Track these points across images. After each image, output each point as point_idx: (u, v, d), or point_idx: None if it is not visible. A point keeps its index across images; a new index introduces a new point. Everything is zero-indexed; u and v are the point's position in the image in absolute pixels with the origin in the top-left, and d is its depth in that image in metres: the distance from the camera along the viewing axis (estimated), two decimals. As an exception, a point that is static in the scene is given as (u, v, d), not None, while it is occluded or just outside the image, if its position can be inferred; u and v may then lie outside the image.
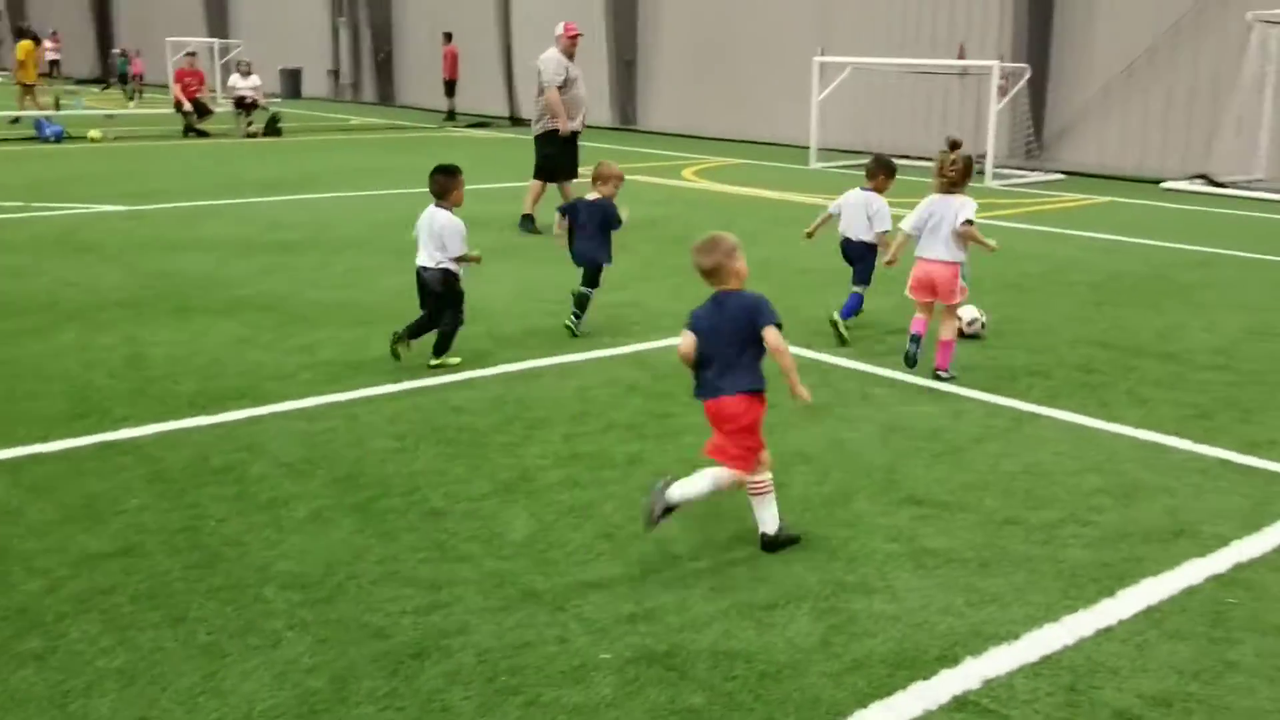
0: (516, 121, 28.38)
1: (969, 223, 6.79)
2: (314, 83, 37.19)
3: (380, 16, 35.11)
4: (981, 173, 17.82)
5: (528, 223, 12.52)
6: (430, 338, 6.98)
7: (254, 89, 24.30)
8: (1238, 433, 5.93)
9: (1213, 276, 10.21)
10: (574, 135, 12.58)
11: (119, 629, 3.79)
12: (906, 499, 5.01)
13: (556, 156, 12.52)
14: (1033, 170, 18.80)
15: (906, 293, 7.04)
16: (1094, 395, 6.55)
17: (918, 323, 6.95)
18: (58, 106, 26.75)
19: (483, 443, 5.66)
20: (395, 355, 7.00)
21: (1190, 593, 4.16)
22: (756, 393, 4.43)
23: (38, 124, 21.87)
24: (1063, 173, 18.72)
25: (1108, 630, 3.87)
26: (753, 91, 25.04)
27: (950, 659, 3.68)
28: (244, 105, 24.01)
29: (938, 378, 6.82)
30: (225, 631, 3.79)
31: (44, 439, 5.57)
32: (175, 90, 23.91)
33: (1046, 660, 3.68)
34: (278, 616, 3.90)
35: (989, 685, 3.53)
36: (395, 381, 6.63)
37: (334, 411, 6.11)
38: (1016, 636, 3.82)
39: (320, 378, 6.71)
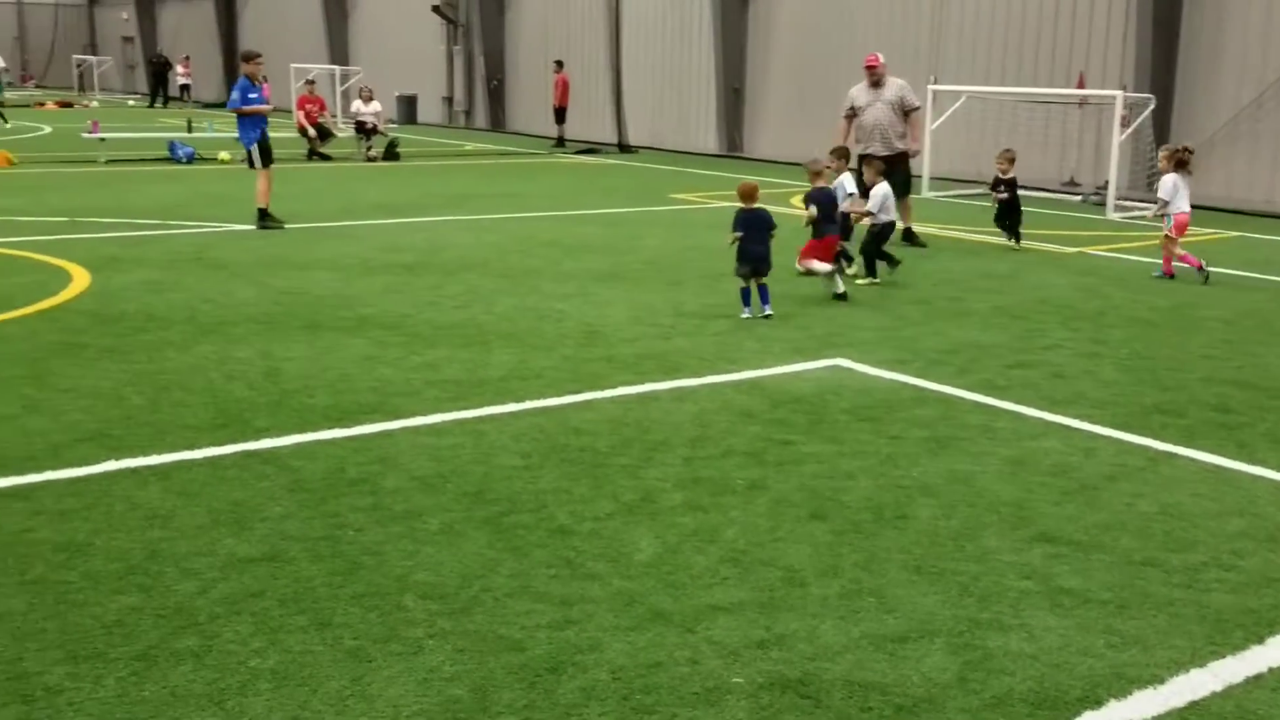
0: (625, 148, 28.60)
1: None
2: (429, 109, 37.98)
3: (493, 44, 35.74)
4: (1102, 204, 17.51)
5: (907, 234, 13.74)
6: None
7: (374, 114, 24.90)
8: (1385, 479, 5.72)
9: (1349, 317, 9.88)
10: (867, 157, 13.50)
11: (269, 631, 3.92)
12: (1038, 536, 4.93)
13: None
14: (1156, 203, 18.33)
15: None
16: (1231, 436, 6.37)
17: None
18: (190, 129, 27.69)
19: (604, 464, 5.73)
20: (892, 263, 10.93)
21: (1344, 643, 4.02)
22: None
23: (170, 145, 22.68)
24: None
25: (1257, 678, 3.76)
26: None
27: (1093, 700, 3.61)
28: (364, 130, 24.61)
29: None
30: (369, 637, 3.90)
31: (191, 446, 5.79)
32: (298, 116, 24.63)
33: (1194, 706, 3.59)
34: (418, 625, 3.99)
35: (1133, 728, 3.46)
36: (517, 401, 6.74)
37: (460, 428, 6.24)
38: (1161, 681, 3.73)
39: (445, 395, 6.85)
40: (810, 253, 10.20)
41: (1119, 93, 17.67)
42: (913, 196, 14.99)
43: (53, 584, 4.24)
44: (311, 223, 14.08)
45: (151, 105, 44.55)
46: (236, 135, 14.28)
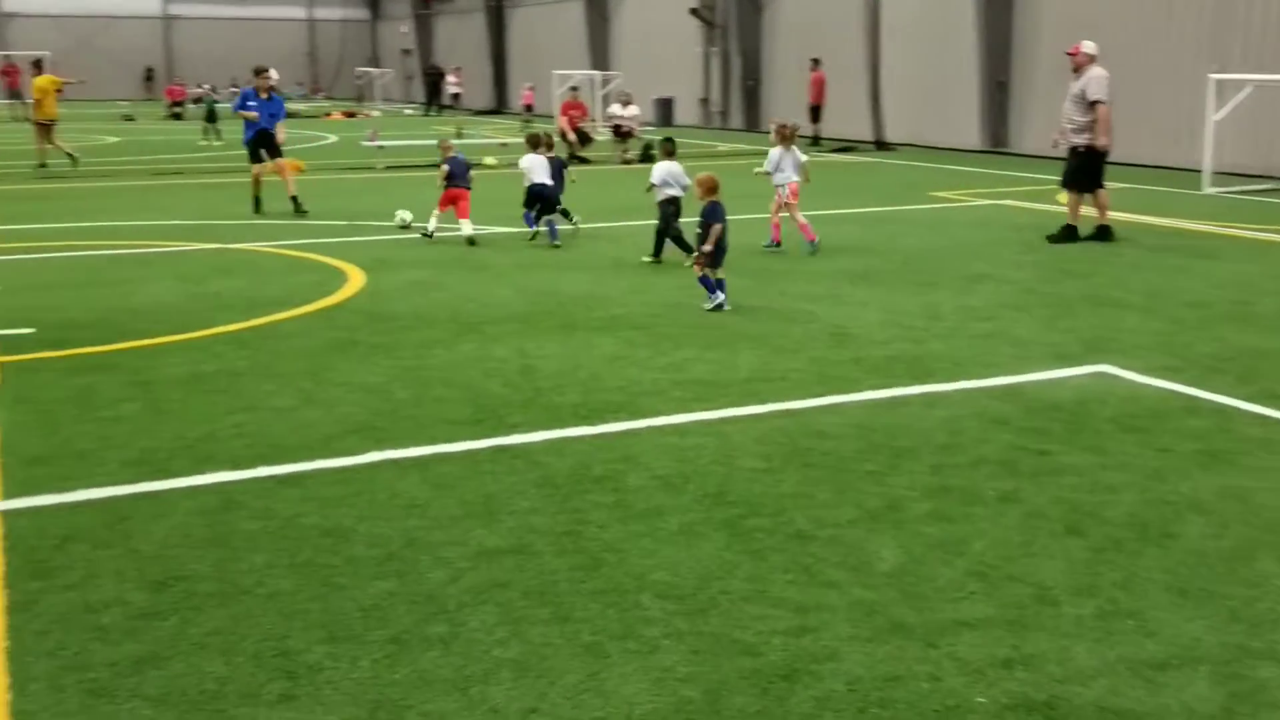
0: (882, 146, 28.09)
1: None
2: (685, 111, 38.42)
3: (750, 45, 35.81)
4: None
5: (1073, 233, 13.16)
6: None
7: (631, 118, 25.39)
8: None
9: None
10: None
11: (512, 622, 4.06)
12: (1322, 560, 4.54)
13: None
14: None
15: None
16: None
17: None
18: (459, 135, 29.04)
19: (848, 469, 5.63)
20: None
21: None
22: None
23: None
24: None
25: None
26: (1136, 113, 23.57)
27: (1379, 743, 3.30)
28: (621, 133, 25.14)
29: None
30: (606, 633, 3.98)
31: (449, 440, 6.07)
32: (561, 121, 25.40)
33: None
34: (654, 624, 4.04)
35: None
36: (761, 403, 6.72)
37: (703, 429, 6.27)
38: None
39: (690, 395, 6.91)
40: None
41: None
42: (1194, 192, 14.06)
43: (318, 567, 4.53)
44: (568, 225, 14.47)
45: (426, 114, 46.99)
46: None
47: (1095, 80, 13.04)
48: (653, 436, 6.13)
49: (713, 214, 9.40)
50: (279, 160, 15.92)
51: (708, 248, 9.31)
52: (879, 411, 6.59)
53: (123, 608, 4.19)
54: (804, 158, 12.80)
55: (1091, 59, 13.16)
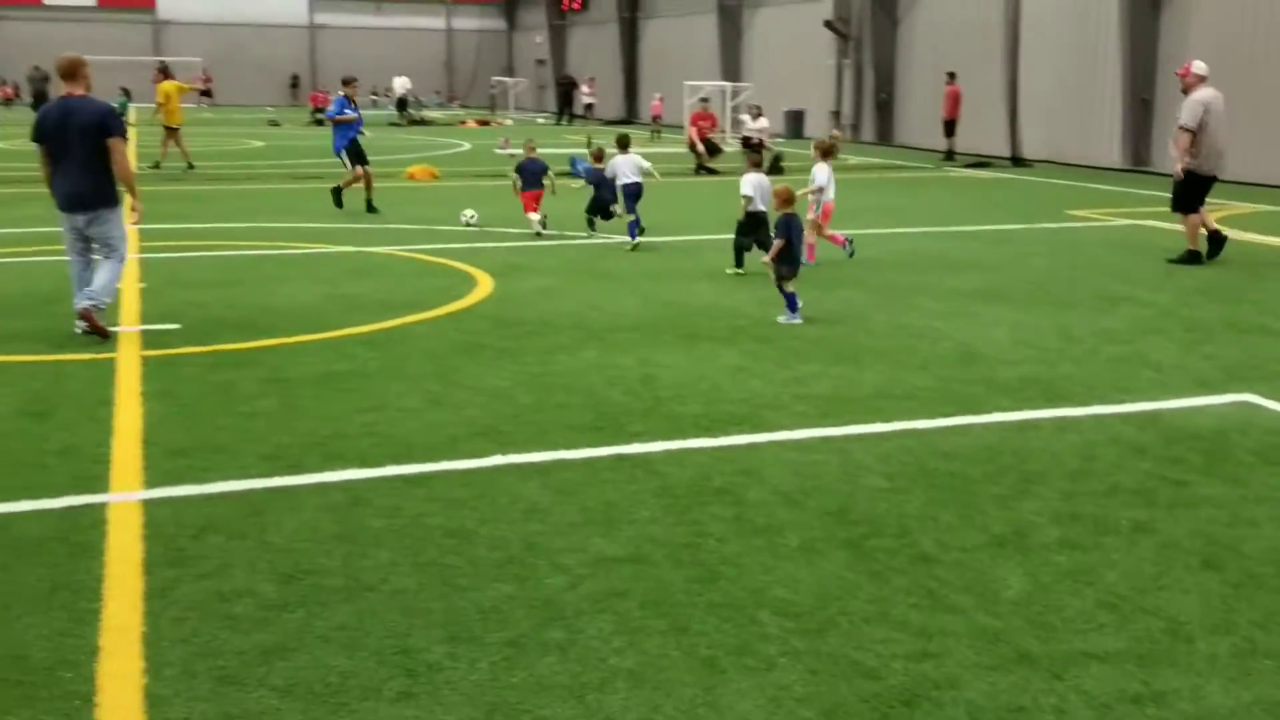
0: (1018, 162, 27.48)
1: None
2: (816, 123, 38.14)
3: (884, 57, 35.42)
4: None
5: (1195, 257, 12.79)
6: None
7: (760, 130, 25.35)
8: None
9: None
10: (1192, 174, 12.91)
11: (629, 631, 4.07)
12: None
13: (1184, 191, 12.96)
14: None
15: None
16: None
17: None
18: (589, 144, 29.33)
19: (974, 492, 5.52)
20: None
21: None
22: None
23: (571, 161, 24.08)
24: None
25: None
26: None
27: None
28: (750, 145, 25.09)
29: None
30: (723, 648, 3.95)
31: (569, 446, 6.13)
32: (690, 131, 25.46)
33: None
34: (771, 641, 4.01)
35: None
36: (886, 421, 6.62)
37: (826, 445, 6.21)
38: None
39: (813, 410, 6.85)
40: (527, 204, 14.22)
41: None
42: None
43: (441, 567, 4.61)
44: (694, 235, 14.53)
45: (558, 123, 47.58)
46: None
47: (1189, 105, 12.64)
48: (774, 451, 6.09)
49: (786, 228, 9.38)
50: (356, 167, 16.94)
51: (766, 259, 9.45)
52: (1008, 434, 6.44)
53: (253, 598, 4.32)
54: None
55: (1201, 79, 12.73)
